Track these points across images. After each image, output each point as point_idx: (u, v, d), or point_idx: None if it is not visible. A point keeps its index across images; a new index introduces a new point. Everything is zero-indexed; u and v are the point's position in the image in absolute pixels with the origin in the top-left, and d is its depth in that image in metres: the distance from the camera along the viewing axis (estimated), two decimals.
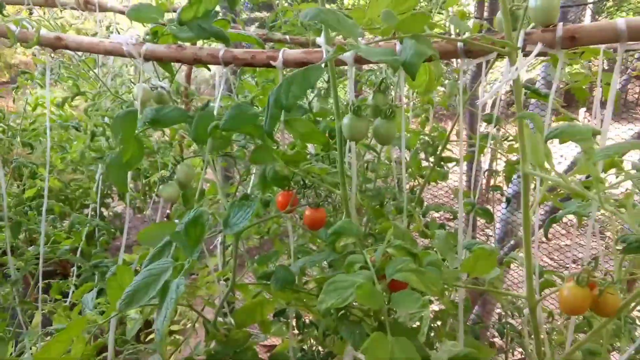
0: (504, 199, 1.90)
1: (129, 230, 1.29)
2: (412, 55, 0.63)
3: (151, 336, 1.58)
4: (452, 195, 2.88)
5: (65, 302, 1.52)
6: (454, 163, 1.61)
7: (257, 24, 2.06)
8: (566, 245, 3.63)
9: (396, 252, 0.75)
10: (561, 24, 0.73)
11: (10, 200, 1.73)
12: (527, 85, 1.19)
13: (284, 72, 0.99)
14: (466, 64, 0.82)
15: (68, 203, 2.32)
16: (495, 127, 1.33)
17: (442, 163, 1.57)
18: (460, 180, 1.01)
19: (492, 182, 1.73)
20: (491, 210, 1.54)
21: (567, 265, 3.04)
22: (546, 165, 0.66)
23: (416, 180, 1.65)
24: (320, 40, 0.84)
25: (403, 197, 1.09)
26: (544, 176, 0.61)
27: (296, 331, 1.33)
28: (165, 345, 1.51)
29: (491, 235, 3.30)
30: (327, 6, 0.75)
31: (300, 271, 0.97)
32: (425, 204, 1.56)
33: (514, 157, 1.60)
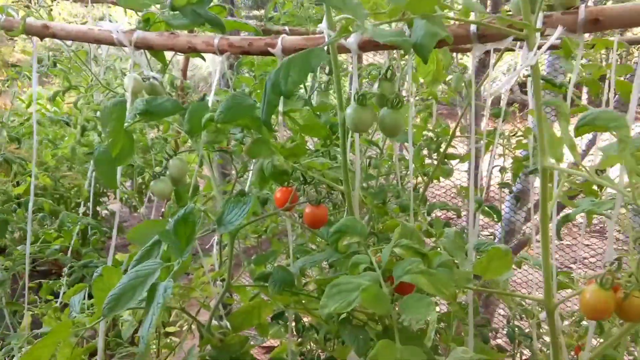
0: (506, 198, 1.85)
1: (126, 229, 1.23)
2: (424, 36, 0.57)
3: None
4: (453, 194, 2.82)
5: (57, 302, 1.46)
6: (458, 160, 1.56)
7: (255, 21, 2.01)
8: (567, 245, 3.58)
9: (404, 252, 0.69)
10: (583, 5, 0.68)
11: None
12: (543, 75, 1.14)
13: None
14: (478, 50, 0.76)
15: (63, 201, 2.26)
16: (502, 121, 1.28)
17: (445, 160, 1.53)
18: (470, 177, 0.95)
19: (492, 181, 1.68)
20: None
21: (570, 266, 2.99)
22: (565, 158, 0.61)
23: (419, 178, 1.60)
24: (322, 25, 0.78)
25: (408, 194, 1.03)
26: (569, 171, 0.56)
27: (295, 334, 1.28)
28: (160, 349, 1.46)
29: (491, 235, 3.25)
30: None
31: (300, 272, 0.92)
32: (428, 202, 1.51)
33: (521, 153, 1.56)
